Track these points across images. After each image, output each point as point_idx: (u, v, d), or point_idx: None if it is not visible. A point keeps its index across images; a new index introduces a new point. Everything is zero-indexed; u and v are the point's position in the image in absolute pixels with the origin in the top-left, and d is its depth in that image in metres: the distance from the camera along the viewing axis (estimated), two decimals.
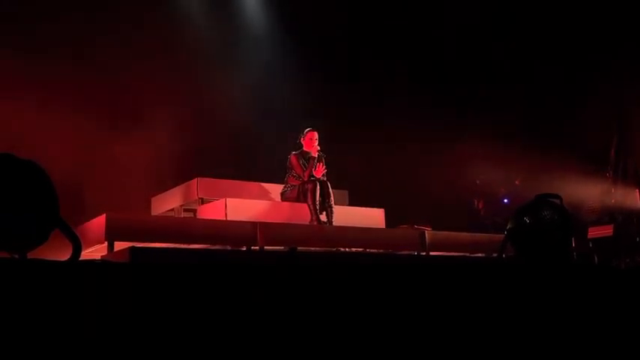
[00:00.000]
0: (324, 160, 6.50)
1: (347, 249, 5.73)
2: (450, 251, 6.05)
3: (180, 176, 6.62)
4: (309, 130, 6.58)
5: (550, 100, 9.38)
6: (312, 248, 5.42)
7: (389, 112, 8.55)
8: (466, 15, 9.02)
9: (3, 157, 2.56)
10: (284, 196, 6.45)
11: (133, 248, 3.39)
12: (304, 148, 6.54)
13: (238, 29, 8.82)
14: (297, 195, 6.28)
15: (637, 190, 7.61)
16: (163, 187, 6.79)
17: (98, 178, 6.94)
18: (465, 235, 6.51)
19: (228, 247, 5.14)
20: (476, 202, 9.72)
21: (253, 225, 5.20)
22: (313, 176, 6.32)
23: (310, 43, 8.61)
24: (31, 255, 2.50)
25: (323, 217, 6.14)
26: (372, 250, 5.86)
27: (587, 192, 8.12)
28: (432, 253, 5.93)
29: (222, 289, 2.53)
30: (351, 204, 7.07)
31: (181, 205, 6.47)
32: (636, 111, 8.20)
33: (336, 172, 6.79)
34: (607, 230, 7.39)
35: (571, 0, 8.48)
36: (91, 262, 2.74)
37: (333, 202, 6.22)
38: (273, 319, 2.55)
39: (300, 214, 6.12)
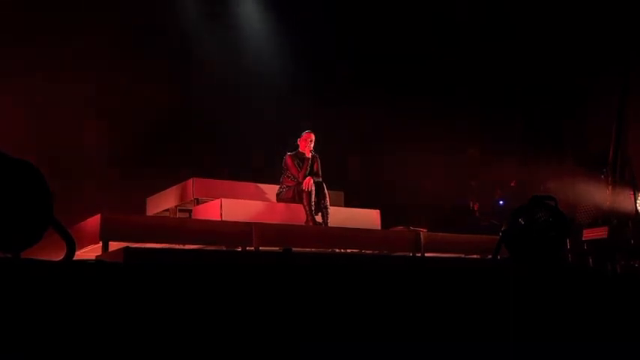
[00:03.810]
0: (318, 162, 6.50)
1: (342, 250, 5.73)
2: (445, 253, 6.05)
3: (176, 176, 6.61)
4: (306, 132, 6.58)
5: (549, 103, 9.40)
6: (308, 249, 5.43)
7: (386, 113, 8.55)
8: (465, 15, 9.03)
9: None
10: (279, 197, 6.44)
11: (127, 248, 3.38)
12: (300, 149, 6.53)
13: (237, 29, 8.83)
14: (292, 196, 6.27)
15: (632, 194, 7.62)
16: (159, 187, 6.78)
17: (93, 177, 6.95)
18: (460, 237, 6.51)
19: (224, 248, 5.13)
20: (471, 204, 9.73)
21: (248, 225, 5.20)
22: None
23: (310, 44, 8.61)
24: (24, 255, 2.49)
25: (318, 218, 6.14)
26: (367, 252, 5.86)
27: (583, 194, 8.13)
28: (427, 255, 5.93)
29: (217, 290, 2.53)
30: (346, 205, 7.07)
31: (177, 206, 6.46)
32: (635, 114, 8.22)
33: (332, 173, 6.79)
34: (602, 232, 7.39)
35: (572, 4, 8.49)
36: (85, 262, 2.73)
37: (328, 203, 6.22)
38: (268, 319, 2.54)
39: (295, 214, 6.12)
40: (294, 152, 6.52)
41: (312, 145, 6.49)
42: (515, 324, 3.07)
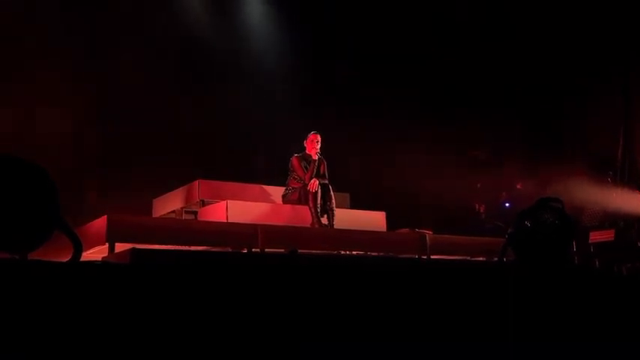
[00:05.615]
0: (325, 163, 6.50)
1: (348, 252, 5.72)
2: (450, 255, 6.04)
3: (182, 178, 6.63)
4: (312, 133, 6.57)
5: (549, 103, 9.37)
6: (313, 251, 5.42)
7: (391, 115, 8.54)
8: (465, 15, 9.02)
9: (3, 157, 2.56)
10: (285, 199, 6.44)
11: (133, 250, 3.38)
12: (306, 151, 6.53)
13: (241, 32, 8.85)
14: (298, 197, 6.27)
15: (639, 195, 7.59)
16: (165, 188, 6.80)
17: (98, 178, 6.97)
18: (465, 239, 6.50)
19: (229, 249, 5.14)
20: (477, 206, 9.70)
21: (254, 227, 5.20)
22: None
23: (310, 44, 8.62)
24: (32, 256, 2.51)
25: (324, 220, 6.13)
26: (373, 253, 5.85)
27: (589, 196, 8.10)
28: (432, 257, 5.92)
29: (223, 291, 2.53)
30: (352, 207, 7.06)
31: (183, 207, 6.47)
32: (636, 114, 8.19)
33: (338, 175, 6.79)
34: (608, 235, 7.37)
35: (572, 4, 8.47)
36: (91, 264, 2.74)
37: (334, 205, 6.20)
38: (273, 320, 2.55)
39: (301, 216, 6.11)
40: (300, 154, 6.52)
41: (319, 146, 6.48)
42: (519, 325, 3.06)
